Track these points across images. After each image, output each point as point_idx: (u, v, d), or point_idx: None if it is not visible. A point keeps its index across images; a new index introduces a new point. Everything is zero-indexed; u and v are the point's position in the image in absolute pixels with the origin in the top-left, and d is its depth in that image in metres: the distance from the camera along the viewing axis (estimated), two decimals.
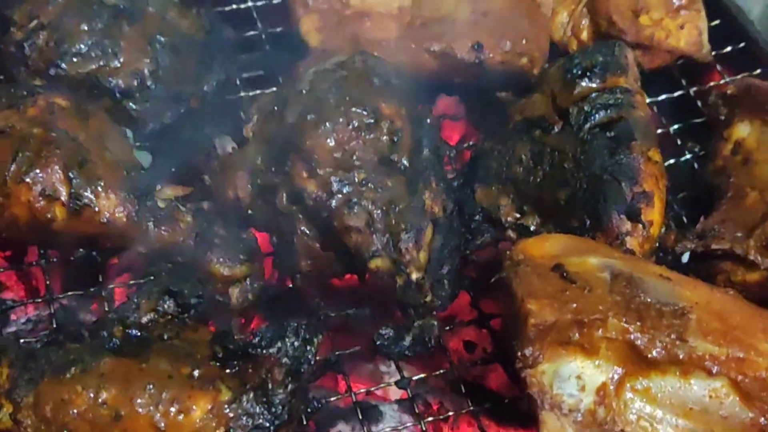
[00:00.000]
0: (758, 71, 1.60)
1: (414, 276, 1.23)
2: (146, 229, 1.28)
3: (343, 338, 1.31)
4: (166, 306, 1.19)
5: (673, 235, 1.34)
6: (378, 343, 1.24)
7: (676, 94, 1.61)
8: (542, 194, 1.35)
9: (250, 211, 1.33)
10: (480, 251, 1.35)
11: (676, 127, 1.56)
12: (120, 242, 1.30)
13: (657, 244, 1.31)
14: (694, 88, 1.61)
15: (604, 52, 1.44)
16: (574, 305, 1.11)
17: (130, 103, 1.42)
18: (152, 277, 1.25)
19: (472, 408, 1.26)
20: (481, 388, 1.38)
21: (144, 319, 1.18)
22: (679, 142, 1.54)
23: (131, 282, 1.36)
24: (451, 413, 1.30)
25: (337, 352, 1.29)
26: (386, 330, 1.24)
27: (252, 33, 1.65)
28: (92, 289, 1.35)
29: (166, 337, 1.17)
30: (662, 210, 1.31)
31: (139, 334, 1.17)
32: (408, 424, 1.33)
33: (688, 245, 1.33)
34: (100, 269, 1.35)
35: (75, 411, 1.07)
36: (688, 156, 1.52)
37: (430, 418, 1.30)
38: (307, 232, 1.28)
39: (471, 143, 1.59)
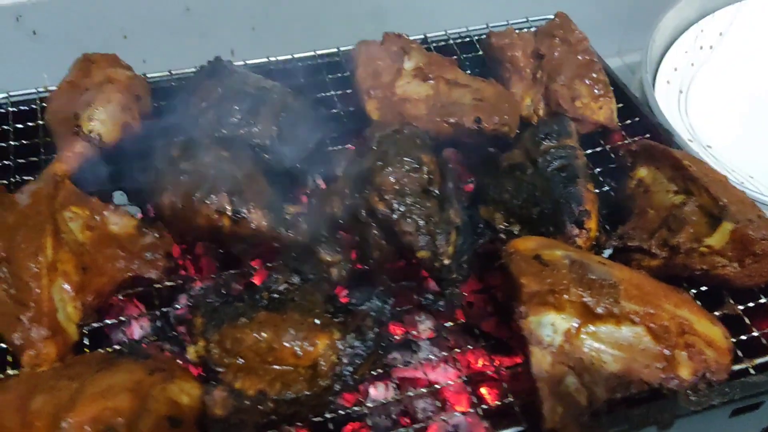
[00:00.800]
0: (648, 135, 1.62)
1: (445, 262, 1.24)
2: (279, 232, 1.29)
3: (400, 300, 1.31)
4: (294, 279, 1.21)
5: (603, 237, 1.36)
6: (424, 303, 1.25)
7: (598, 149, 1.63)
8: (522, 211, 1.36)
9: (341, 221, 1.33)
10: (483, 246, 1.35)
11: (598, 170, 1.57)
12: (262, 240, 1.31)
13: (594, 243, 1.33)
14: (608, 146, 1.63)
15: (558, 123, 1.47)
16: (549, 280, 1.14)
17: (265, 155, 1.43)
18: (283, 261, 1.24)
19: (478, 345, 1.28)
20: (482, 332, 1.37)
21: (281, 288, 1.19)
22: (601, 179, 1.55)
23: (268, 264, 1.37)
24: (466, 347, 1.30)
25: (397, 309, 1.30)
26: (428, 295, 1.26)
27: (335, 111, 1.67)
28: (243, 270, 1.36)
29: (296, 299, 1.18)
30: (597, 221, 1.34)
31: (278, 296, 1.18)
32: (437, 354, 1.32)
33: (613, 243, 1.35)
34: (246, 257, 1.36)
35: (244, 344, 1.10)
36: (608, 188, 1.53)
37: (454, 350, 1.30)
38: (377, 234, 1.29)
39: (469, 180, 1.57)
